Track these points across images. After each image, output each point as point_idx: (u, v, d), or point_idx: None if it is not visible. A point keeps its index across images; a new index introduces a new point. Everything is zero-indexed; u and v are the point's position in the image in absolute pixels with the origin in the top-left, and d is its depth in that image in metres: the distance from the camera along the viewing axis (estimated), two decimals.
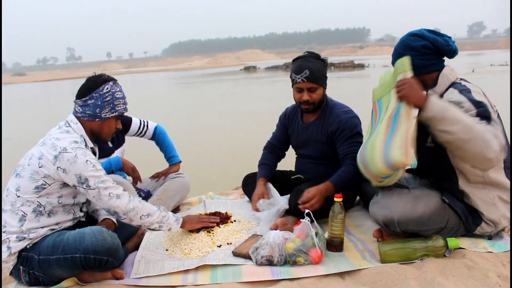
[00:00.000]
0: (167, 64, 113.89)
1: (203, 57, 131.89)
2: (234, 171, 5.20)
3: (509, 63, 26.94)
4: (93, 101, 1.91)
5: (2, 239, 1.81)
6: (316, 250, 1.91)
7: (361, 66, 34.22)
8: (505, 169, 1.93)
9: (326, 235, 2.09)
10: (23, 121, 13.06)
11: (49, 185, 1.82)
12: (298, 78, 2.40)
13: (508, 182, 1.94)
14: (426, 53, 1.96)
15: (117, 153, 2.76)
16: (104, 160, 2.58)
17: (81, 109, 1.93)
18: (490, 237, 2.03)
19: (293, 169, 2.86)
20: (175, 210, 2.92)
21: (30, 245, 1.82)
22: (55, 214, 1.88)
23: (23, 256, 1.82)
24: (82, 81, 2.56)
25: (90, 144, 1.97)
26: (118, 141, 2.79)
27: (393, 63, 1.98)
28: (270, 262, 1.92)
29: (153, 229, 1.99)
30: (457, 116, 1.67)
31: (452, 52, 1.96)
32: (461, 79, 1.99)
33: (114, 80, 1.98)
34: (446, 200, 1.96)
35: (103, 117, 1.94)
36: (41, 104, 20.30)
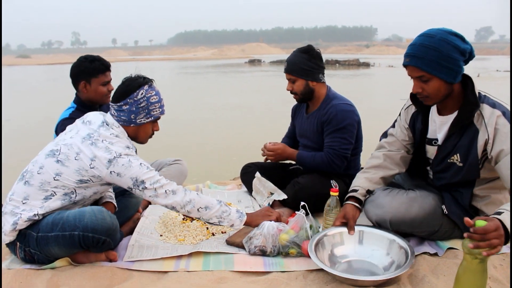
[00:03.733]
0: (172, 53, 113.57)
1: (208, 48, 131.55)
2: (232, 162, 5.21)
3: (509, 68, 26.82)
4: (127, 107, 1.88)
5: (15, 210, 1.81)
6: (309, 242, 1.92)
7: (366, 65, 34.15)
8: None
9: (321, 228, 2.09)
10: (25, 103, 13.07)
11: (93, 182, 1.84)
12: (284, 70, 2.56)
13: None
14: (465, 60, 1.76)
15: None
16: None
17: (116, 113, 1.91)
18: None
19: (292, 162, 2.88)
20: None
21: (30, 223, 1.83)
22: (77, 204, 1.90)
23: (21, 232, 1.83)
24: None
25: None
26: None
27: (423, 65, 1.73)
28: (263, 252, 1.93)
29: (212, 223, 1.97)
30: None
31: (472, 59, 1.82)
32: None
33: (150, 82, 1.93)
34: (445, 211, 1.93)
35: (138, 123, 1.92)
36: (44, 87, 20.29)
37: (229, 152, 6.39)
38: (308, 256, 1.80)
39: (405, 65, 1.80)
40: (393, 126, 2.20)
